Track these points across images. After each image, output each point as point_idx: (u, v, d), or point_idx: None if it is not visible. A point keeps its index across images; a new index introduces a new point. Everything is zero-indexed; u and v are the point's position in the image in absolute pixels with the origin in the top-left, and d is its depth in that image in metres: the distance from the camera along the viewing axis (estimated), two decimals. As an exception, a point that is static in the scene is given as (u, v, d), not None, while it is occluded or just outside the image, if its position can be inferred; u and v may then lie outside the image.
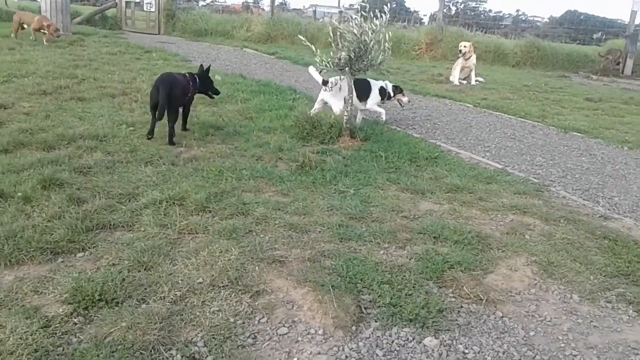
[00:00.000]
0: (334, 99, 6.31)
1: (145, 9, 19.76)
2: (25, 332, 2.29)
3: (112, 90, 7.49)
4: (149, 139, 5.34)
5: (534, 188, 4.85)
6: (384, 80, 6.87)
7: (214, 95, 6.16)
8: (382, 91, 6.71)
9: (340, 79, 6.01)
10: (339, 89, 6.17)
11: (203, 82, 5.84)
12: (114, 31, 18.04)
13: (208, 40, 17.49)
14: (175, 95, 5.28)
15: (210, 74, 5.99)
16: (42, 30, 12.17)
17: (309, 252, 3.26)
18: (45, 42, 12.08)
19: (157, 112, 5.21)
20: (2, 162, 4.30)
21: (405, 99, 7.08)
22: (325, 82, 6.26)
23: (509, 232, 3.80)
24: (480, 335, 2.62)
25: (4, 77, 7.65)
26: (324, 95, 6.41)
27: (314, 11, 32.16)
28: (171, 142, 5.27)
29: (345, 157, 5.29)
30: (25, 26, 12.34)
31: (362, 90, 6.50)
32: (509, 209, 4.25)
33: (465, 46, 11.48)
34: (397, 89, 6.95)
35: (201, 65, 5.98)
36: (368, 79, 6.70)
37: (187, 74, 5.70)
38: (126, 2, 19.51)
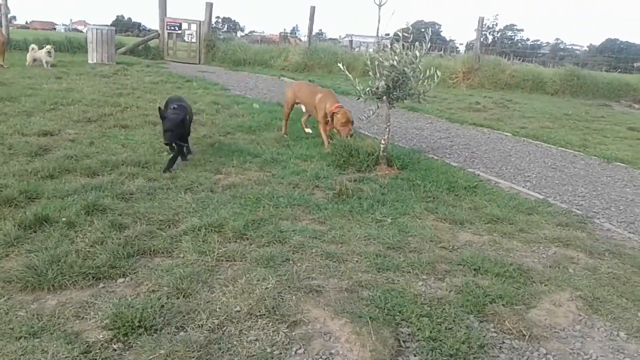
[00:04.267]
0: None
1: (186, 39, 20.41)
2: (66, 357, 2.31)
3: (154, 118, 7.66)
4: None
5: (577, 220, 4.71)
6: None
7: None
8: None
9: None
10: None
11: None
12: (156, 61, 18.59)
13: (246, 70, 17.93)
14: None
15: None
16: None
17: (346, 282, 3.23)
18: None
19: None
20: (48, 187, 4.42)
21: None
22: None
23: (552, 265, 3.69)
24: (524, 373, 2.53)
25: (50, 105, 7.95)
26: None
27: (350, 40, 32.55)
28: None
29: (382, 185, 5.26)
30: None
31: None
32: (551, 241, 4.14)
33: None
34: None
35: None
36: None
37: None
38: (168, 33, 20.15)
